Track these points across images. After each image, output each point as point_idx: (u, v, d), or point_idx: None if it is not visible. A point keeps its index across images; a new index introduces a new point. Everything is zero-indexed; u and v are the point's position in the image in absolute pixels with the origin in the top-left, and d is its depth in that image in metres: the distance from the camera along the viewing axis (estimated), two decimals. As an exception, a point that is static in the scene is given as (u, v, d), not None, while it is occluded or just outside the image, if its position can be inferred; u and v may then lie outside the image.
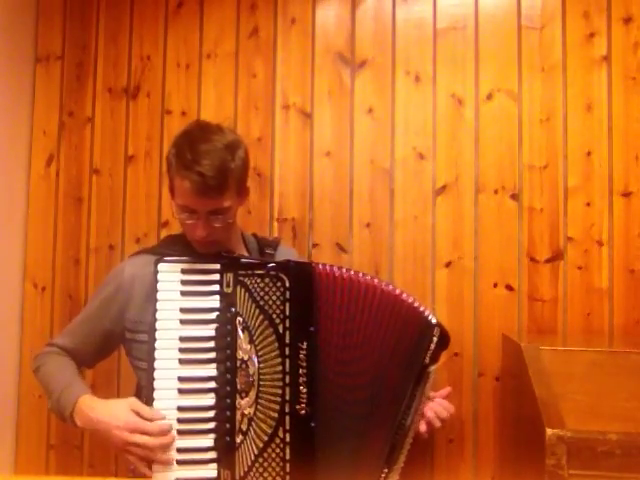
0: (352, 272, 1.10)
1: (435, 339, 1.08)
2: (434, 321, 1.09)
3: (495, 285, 1.66)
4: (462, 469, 1.64)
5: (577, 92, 1.66)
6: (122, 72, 1.86)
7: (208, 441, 1.04)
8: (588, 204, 1.64)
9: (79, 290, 1.82)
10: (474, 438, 1.64)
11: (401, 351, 1.07)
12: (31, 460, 1.81)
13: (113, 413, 1.03)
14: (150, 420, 1.03)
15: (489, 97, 1.70)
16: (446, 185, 1.70)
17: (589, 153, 1.65)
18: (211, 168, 1.07)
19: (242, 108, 1.80)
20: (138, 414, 1.03)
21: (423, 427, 1.13)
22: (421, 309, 1.10)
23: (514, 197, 1.67)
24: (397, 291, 1.10)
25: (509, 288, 1.65)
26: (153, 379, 1.07)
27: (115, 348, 1.28)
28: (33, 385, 1.22)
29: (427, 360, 1.07)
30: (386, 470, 1.05)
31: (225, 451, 1.04)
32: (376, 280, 1.10)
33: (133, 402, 1.06)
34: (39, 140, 1.88)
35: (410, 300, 1.10)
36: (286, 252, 1.38)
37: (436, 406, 1.16)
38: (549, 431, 1.05)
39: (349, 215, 1.74)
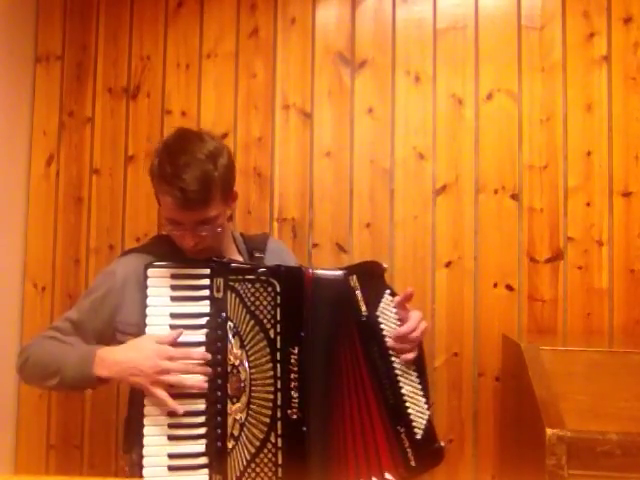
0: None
1: (355, 284, 1.07)
2: (339, 272, 1.08)
3: (495, 285, 1.66)
4: (462, 469, 1.64)
5: (577, 92, 1.66)
6: (122, 72, 1.86)
7: (199, 446, 1.04)
8: (588, 204, 1.64)
9: (79, 290, 1.82)
10: (474, 438, 1.64)
11: (350, 325, 1.07)
12: (31, 460, 1.81)
13: (140, 347, 1.04)
14: (172, 343, 1.04)
15: (489, 97, 1.70)
16: (446, 185, 1.70)
17: (589, 153, 1.65)
18: (193, 181, 1.04)
19: (242, 108, 1.80)
20: (161, 343, 1.04)
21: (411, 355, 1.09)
22: (330, 273, 1.08)
23: (514, 197, 1.67)
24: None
25: (509, 288, 1.65)
26: None
27: None
28: (33, 385, 1.21)
29: (364, 310, 1.07)
30: (402, 429, 1.05)
31: (216, 456, 1.03)
32: None
33: (151, 335, 1.06)
34: (39, 140, 1.88)
35: (333, 274, 1.08)
36: (275, 249, 1.36)
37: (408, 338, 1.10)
38: (549, 431, 1.05)
39: (349, 215, 1.74)
